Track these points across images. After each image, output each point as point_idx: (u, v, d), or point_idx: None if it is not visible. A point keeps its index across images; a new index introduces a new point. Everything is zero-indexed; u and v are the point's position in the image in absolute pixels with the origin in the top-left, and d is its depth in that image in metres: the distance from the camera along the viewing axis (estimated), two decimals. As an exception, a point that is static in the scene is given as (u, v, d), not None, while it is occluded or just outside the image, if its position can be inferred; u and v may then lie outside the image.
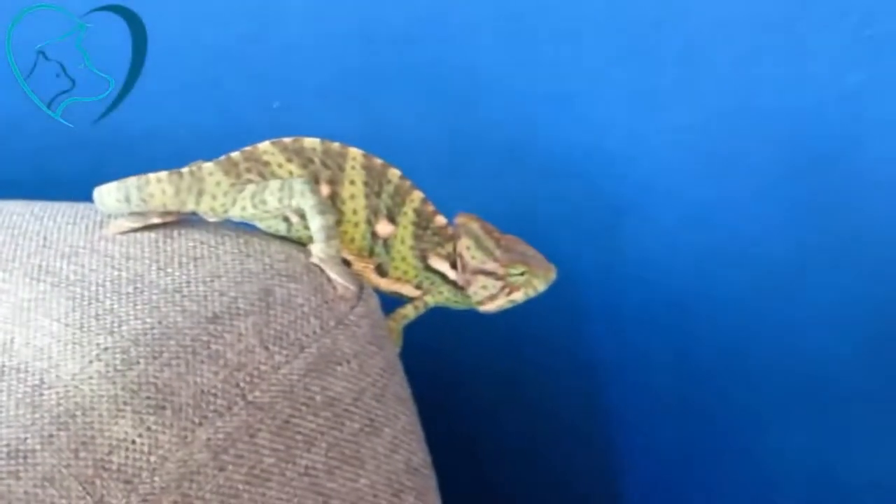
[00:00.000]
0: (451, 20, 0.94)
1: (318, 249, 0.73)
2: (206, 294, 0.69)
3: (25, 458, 0.62)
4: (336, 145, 0.74)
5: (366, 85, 0.97)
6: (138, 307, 0.68)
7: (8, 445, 0.63)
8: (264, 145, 0.73)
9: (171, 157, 0.92)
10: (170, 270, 0.71)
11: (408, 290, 0.78)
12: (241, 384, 0.67)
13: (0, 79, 0.81)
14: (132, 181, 0.73)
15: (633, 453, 1.00)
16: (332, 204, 0.74)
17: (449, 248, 0.77)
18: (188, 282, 0.70)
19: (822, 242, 0.90)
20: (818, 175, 0.88)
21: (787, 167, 0.90)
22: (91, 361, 0.66)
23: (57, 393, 0.65)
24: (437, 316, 0.81)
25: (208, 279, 0.70)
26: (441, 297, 0.78)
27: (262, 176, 0.73)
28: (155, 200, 0.73)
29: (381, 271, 0.77)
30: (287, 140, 0.73)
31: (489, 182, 0.95)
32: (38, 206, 0.78)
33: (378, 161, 0.74)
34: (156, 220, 0.74)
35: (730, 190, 0.91)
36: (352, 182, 0.74)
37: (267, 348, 0.68)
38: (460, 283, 0.77)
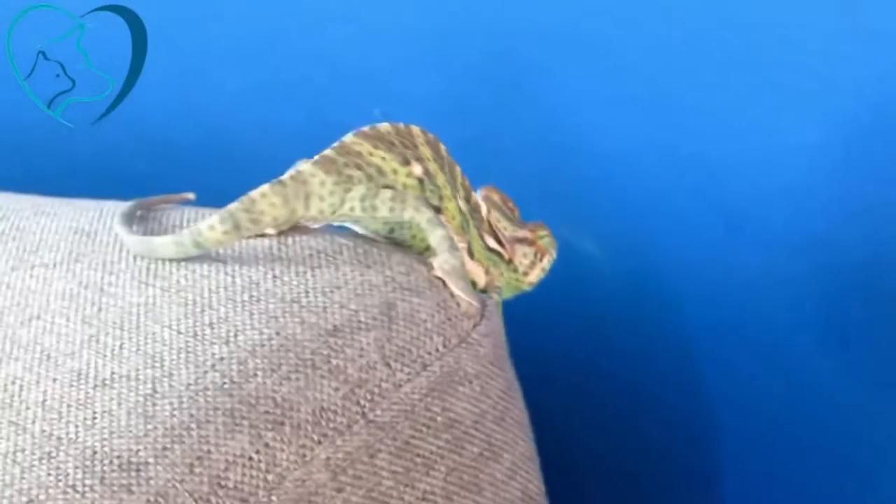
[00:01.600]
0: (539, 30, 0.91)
1: (441, 261, 0.70)
2: (325, 305, 0.66)
3: (138, 471, 0.59)
4: (401, 125, 0.72)
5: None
6: (254, 316, 0.65)
7: (119, 457, 0.59)
8: (350, 138, 0.71)
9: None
10: (286, 279, 0.67)
11: (480, 275, 0.75)
12: (362, 402, 0.64)
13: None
14: (235, 207, 0.68)
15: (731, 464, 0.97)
16: (431, 182, 0.72)
17: (485, 224, 0.76)
18: (306, 291, 0.66)
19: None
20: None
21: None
22: (206, 371, 0.62)
23: (171, 403, 0.61)
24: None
25: (327, 290, 0.67)
26: (502, 279, 0.76)
27: (360, 167, 0.70)
28: (266, 217, 0.68)
29: (470, 252, 0.74)
30: (366, 129, 0.71)
31: (598, 192, 0.92)
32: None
33: (431, 135, 0.73)
34: (270, 231, 0.71)
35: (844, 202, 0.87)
36: (428, 158, 0.72)
37: (389, 365, 0.65)
38: (507, 255, 0.76)
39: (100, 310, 0.67)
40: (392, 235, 0.72)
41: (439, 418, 0.66)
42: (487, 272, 0.75)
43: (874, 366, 0.90)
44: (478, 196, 0.76)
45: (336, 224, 0.72)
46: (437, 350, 0.67)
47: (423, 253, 0.73)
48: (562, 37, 0.92)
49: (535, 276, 0.78)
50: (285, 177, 0.69)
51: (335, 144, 0.70)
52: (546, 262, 0.78)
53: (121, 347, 0.64)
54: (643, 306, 0.92)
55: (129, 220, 0.73)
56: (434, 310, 0.67)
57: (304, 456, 0.61)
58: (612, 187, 0.93)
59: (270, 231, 0.70)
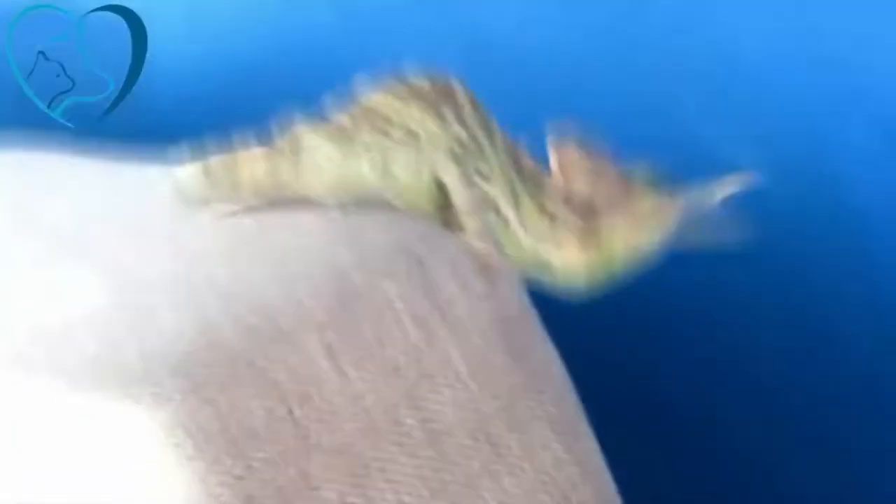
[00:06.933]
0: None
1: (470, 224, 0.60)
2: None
3: None
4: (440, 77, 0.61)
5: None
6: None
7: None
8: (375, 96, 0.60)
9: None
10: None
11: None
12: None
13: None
14: (216, 161, 0.62)
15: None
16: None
17: (548, 189, 0.62)
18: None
19: None
20: None
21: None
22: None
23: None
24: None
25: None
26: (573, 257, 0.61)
27: (383, 132, 0.60)
28: (246, 183, 0.61)
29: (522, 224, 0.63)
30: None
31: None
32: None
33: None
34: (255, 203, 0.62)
35: None
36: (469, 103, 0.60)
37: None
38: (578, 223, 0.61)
39: None
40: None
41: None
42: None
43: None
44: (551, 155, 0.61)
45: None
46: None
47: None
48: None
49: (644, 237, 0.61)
50: (284, 143, 0.61)
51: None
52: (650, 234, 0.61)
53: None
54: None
55: None
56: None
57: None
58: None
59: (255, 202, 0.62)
